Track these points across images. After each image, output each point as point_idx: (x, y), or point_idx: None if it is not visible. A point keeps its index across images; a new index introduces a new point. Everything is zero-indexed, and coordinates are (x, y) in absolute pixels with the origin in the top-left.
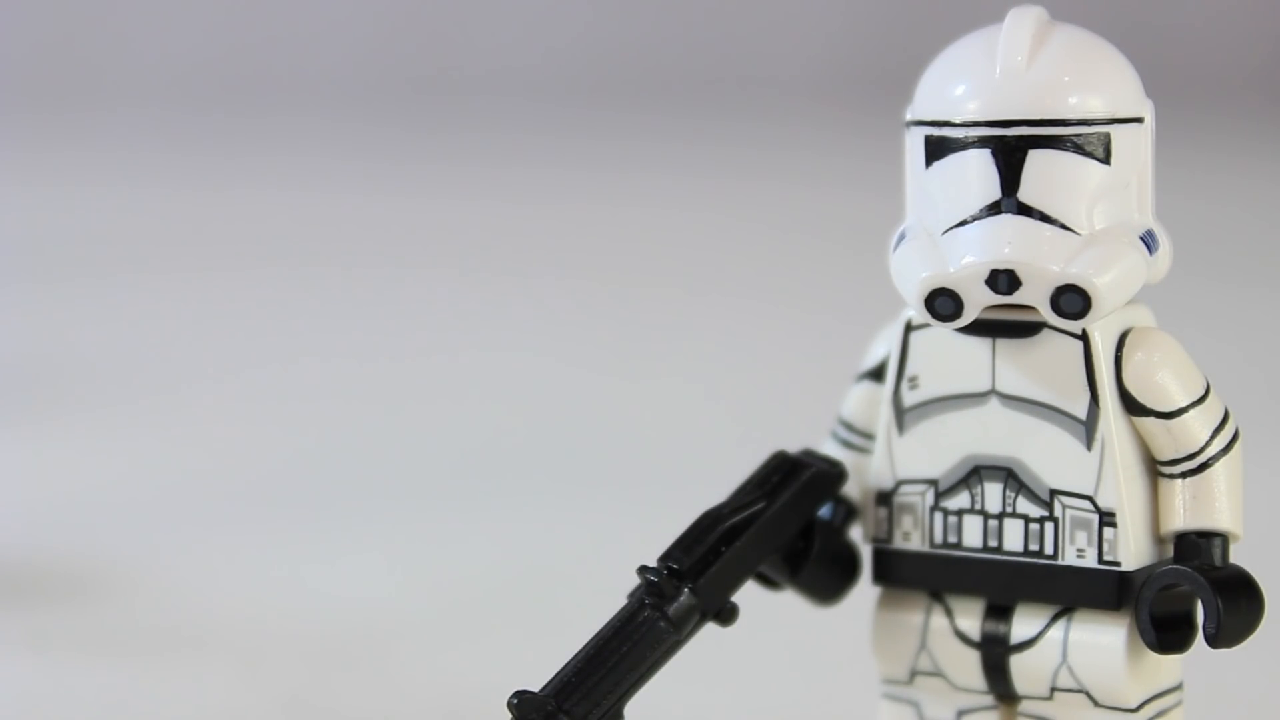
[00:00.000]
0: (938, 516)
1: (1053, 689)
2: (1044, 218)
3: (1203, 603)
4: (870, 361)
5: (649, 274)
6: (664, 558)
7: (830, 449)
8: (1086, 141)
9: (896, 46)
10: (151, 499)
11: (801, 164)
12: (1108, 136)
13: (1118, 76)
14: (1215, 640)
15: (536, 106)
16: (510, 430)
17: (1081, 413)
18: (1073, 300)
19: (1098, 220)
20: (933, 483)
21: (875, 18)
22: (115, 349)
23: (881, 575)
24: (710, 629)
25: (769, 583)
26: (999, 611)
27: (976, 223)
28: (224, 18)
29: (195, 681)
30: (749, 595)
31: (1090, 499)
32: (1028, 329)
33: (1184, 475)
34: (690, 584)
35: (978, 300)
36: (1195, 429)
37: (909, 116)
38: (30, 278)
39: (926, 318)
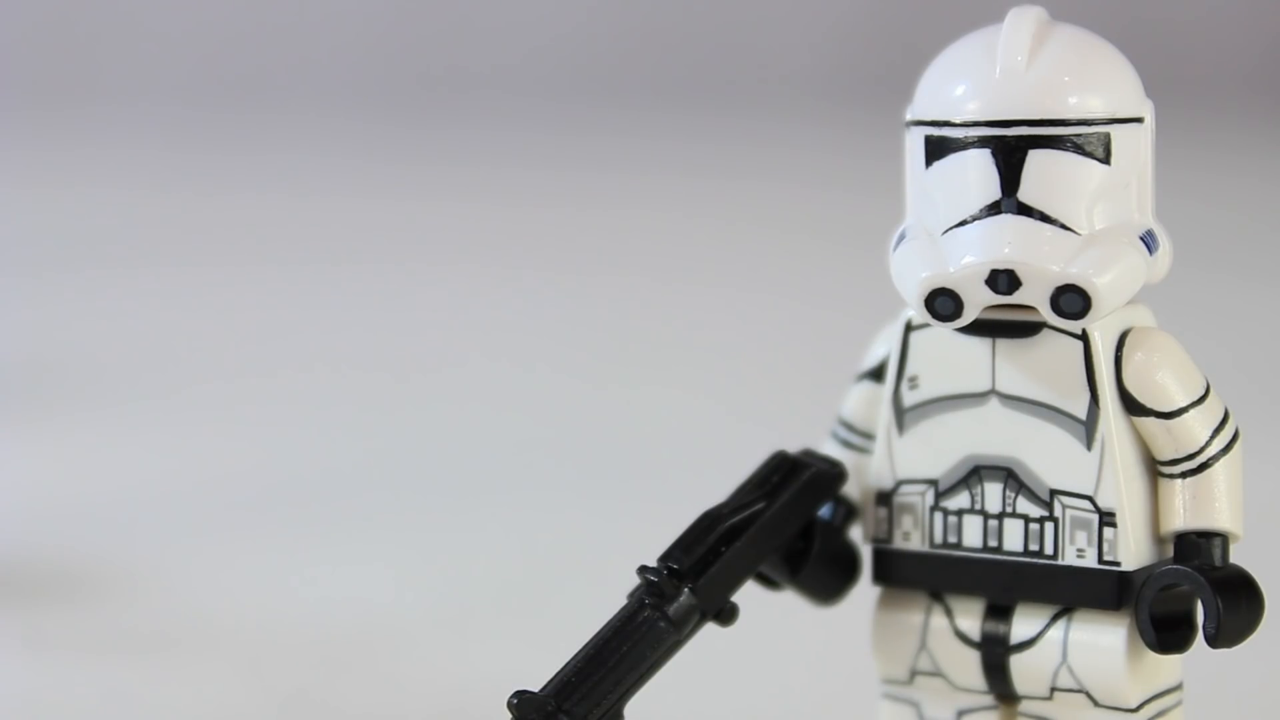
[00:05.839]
0: (938, 516)
1: (1053, 689)
2: (1044, 218)
3: (1203, 603)
4: (870, 361)
5: (648, 274)
6: (664, 558)
7: (830, 449)
8: (1086, 141)
9: (896, 46)
10: (151, 499)
11: (802, 163)
12: (1108, 136)
13: (1118, 76)
14: (1215, 640)
15: (535, 106)
16: (510, 430)
17: (1081, 413)
18: (1073, 300)
19: (1098, 220)
20: (933, 483)
21: (875, 17)
22: (115, 349)
23: (881, 575)
24: (710, 629)
25: (769, 583)
26: (999, 611)
27: (976, 223)
28: (223, 17)
29: (195, 681)
30: (749, 595)
31: (1090, 499)
32: (1028, 329)
33: (1184, 475)
34: (690, 584)
35: (978, 300)
36: (1195, 429)
37: (909, 116)
38: (31, 277)
39: (926, 318)
